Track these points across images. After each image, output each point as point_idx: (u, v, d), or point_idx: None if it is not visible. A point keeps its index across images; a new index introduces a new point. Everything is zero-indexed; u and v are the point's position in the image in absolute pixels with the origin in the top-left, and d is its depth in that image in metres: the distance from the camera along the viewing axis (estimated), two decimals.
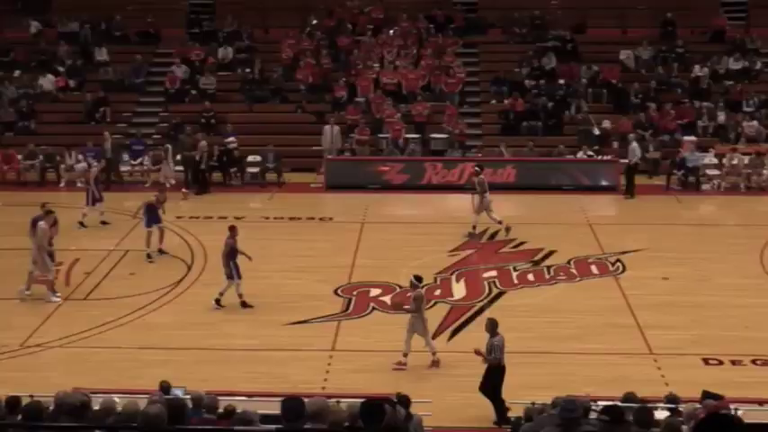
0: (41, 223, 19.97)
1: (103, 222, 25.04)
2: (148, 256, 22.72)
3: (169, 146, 29.18)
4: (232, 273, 19.47)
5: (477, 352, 15.36)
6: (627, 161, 27.72)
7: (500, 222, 24.27)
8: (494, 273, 21.68)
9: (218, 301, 19.62)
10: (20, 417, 10.29)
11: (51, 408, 10.13)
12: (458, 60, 33.00)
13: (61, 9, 36.32)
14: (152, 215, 22.86)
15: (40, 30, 35.61)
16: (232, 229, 19.95)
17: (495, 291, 20.74)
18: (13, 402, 11.29)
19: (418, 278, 17.60)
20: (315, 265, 22.14)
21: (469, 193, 25.37)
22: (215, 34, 34.96)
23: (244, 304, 19.56)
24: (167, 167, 28.86)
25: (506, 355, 15.20)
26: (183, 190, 27.97)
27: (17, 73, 33.05)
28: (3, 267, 22.17)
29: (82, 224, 24.68)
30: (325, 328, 18.83)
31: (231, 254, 19.52)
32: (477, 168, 24.82)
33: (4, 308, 19.98)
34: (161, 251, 23.03)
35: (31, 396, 11.41)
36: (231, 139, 29.42)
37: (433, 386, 16.07)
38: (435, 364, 17.13)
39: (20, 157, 29.12)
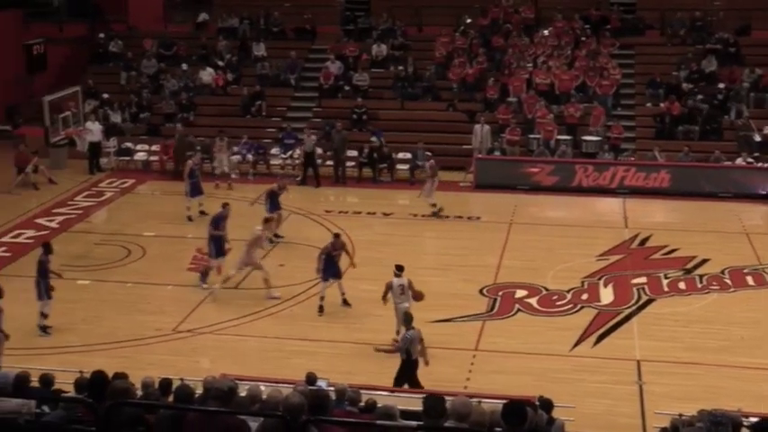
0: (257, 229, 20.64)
1: (203, 213, 25.11)
2: (276, 236, 23.45)
3: (225, 137, 29.30)
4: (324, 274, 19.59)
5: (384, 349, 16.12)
6: None
7: (435, 205, 25.58)
8: (643, 279, 21.21)
9: (345, 300, 19.79)
10: (171, 398, 10.63)
11: (200, 392, 10.40)
12: (613, 62, 32.37)
13: (222, 5, 37.30)
14: (274, 202, 23.57)
15: (206, 20, 36.66)
16: (337, 236, 20.25)
17: (644, 298, 20.30)
18: (166, 384, 11.68)
19: (399, 267, 17.87)
20: (461, 264, 22.11)
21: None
22: (370, 31, 35.28)
23: (321, 308, 19.53)
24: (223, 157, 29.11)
25: (653, 363, 14.88)
26: (228, 181, 28.60)
27: (184, 66, 34.05)
28: (158, 254, 22.94)
29: (190, 218, 25.15)
30: (469, 328, 18.80)
31: (326, 258, 19.57)
32: (428, 153, 26.98)
33: (160, 293, 20.67)
34: (277, 236, 23.67)
35: (182, 379, 11.77)
36: (373, 139, 29.64)
37: (576, 391, 15.83)
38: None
39: None
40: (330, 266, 19.52)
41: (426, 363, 15.90)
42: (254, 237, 20.36)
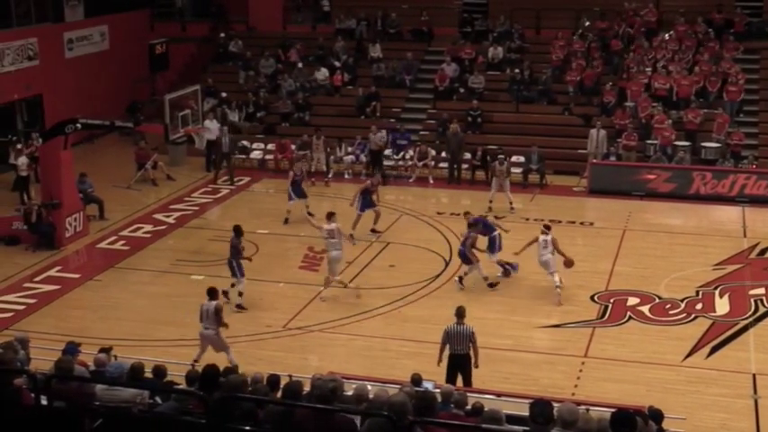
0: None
1: (310, 214, 24.93)
2: (351, 236, 23.06)
3: (322, 135, 29.82)
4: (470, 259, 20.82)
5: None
6: None
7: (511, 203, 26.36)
8: (762, 290, 20.62)
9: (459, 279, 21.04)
10: (279, 394, 10.76)
11: (307, 390, 10.51)
12: (737, 66, 31.49)
13: (339, 6, 37.63)
14: (366, 200, 24.01)
15: (327, 10, 37.14)
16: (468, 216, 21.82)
17: (762, 309, 19.72)
18: (274, 381, 11.84)
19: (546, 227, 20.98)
20: (573, 270, 21.78)
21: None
22: (486, 34, 35.14)
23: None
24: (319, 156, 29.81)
25: None
26: (325, 179, 29.15)
27: (300, 65, 34.53)
28: (271, 251, 23.24)
29: (287, 220, 25.34)
30: (579, 334, 18.58)
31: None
32: (501, 156, 27.09)
33: (272, 290, 20.95)
34: (374, 231, 24.20)
35: (290, 376, 11.92)
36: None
37: (687, 402, 15.51)
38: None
39: (293, 147, 30.37)
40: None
41: (476, 365, 15.77)
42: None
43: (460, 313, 15.93)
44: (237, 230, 20.21)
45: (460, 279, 20.97)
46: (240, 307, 19.63)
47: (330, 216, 20.36)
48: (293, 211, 25.26)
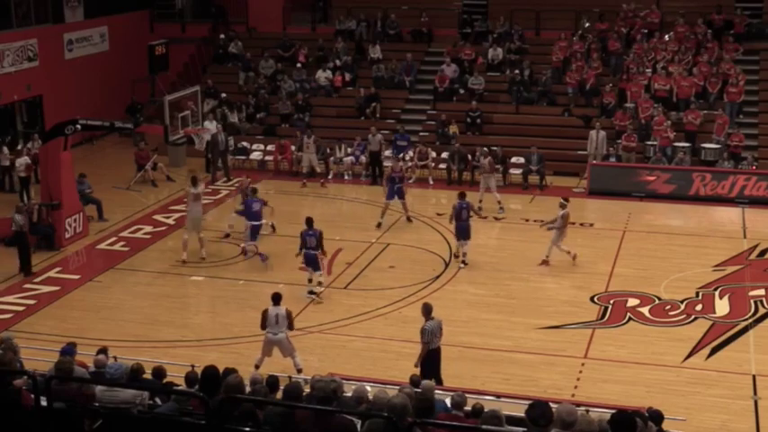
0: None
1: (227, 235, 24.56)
2: (409, 219, 25.31)
3: (313, 135, 29.75)
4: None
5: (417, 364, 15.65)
6: None
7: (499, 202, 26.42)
8: (761, 291, 20.61)
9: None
10: (279, 395, 10.77)
11: (308, 390, 10.52)
12: (737, 68, 31.46)
13: (340, 7, 37.61)
14: (393, 189, 24.98)
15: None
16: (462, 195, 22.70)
17: (761, 310, 19.72)
18: (273, 381, 11.84)
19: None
20: (572, 271, 21.87)
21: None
22: (486, 35, 35.13)
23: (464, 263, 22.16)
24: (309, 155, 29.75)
25: None
26: (322, 180, 29.28)
27: (298, 65, 34.54)
28: (270, 252, 23.17)
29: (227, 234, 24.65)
30: (579, 335, 18.57)
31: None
32: (485, 150, 27.33)
33: (271, 291, 20.85)
34: (408, 219, 25.45)
35: (290, 377, 11.92)
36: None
37: (687, 404, 15.51)
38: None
39: (293, 147, 30.37)
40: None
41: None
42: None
43: (429, 310, 15.80)
44: (309, 222, 20.63)
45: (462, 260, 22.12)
46: (312, 293, 20.21)
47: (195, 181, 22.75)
48: (236, 226, 24.09)
